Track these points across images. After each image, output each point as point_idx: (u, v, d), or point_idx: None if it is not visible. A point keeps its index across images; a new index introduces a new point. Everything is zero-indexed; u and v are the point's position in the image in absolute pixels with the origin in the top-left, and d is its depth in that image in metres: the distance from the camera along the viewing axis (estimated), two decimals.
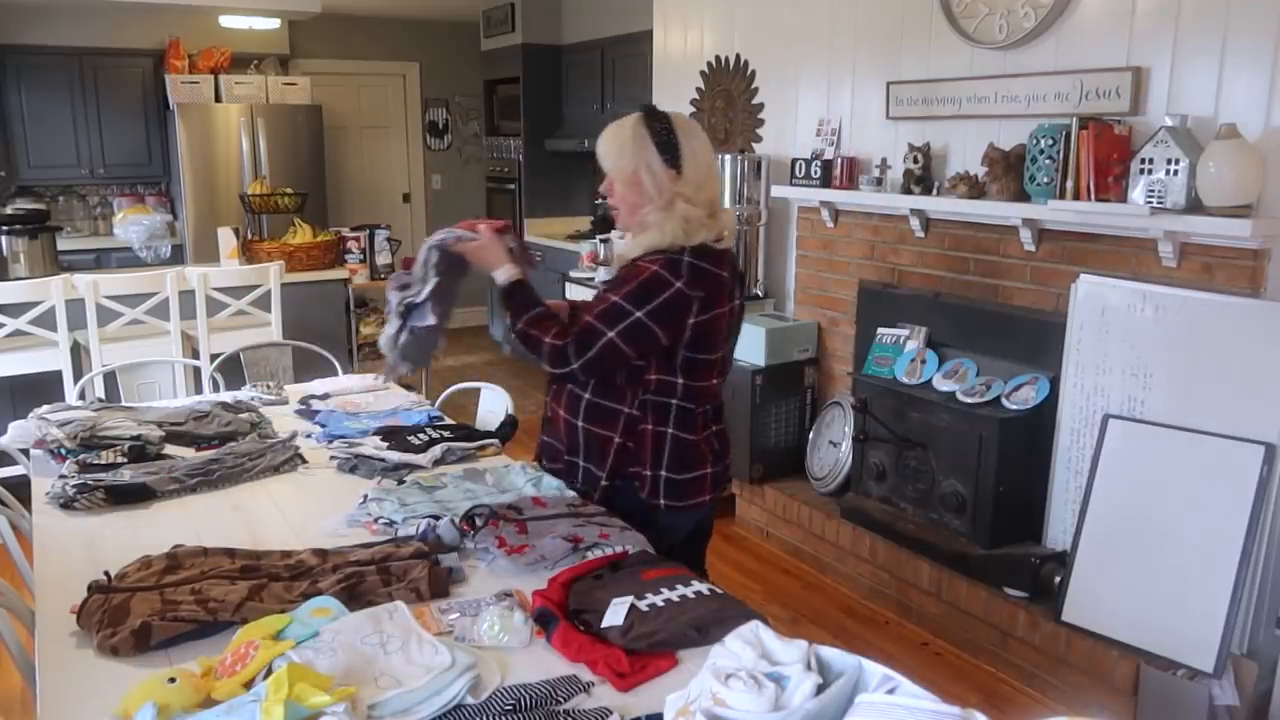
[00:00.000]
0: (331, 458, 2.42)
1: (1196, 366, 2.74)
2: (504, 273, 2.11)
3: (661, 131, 2.01)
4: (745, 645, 1.28)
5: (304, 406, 2.87)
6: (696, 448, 2.10)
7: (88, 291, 4.13)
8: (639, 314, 1.96)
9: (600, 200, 2.29)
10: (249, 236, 5.30)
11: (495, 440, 2.56)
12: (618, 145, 2.04)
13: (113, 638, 1.49)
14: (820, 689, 1.10)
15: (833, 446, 4.01)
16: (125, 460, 2.33)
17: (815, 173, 4.00)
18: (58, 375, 4.18)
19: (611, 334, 1.97)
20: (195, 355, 4.35)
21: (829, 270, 4.19)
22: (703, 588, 1.65)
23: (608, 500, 2.08)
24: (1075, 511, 2.99)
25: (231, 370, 3.53)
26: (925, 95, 3.62)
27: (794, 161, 4.13)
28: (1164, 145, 2.73)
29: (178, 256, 6.51)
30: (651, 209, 2.02)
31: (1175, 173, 2.71)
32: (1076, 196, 2.94)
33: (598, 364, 1.99)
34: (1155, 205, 2.76)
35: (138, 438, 2.43)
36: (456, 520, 1.92)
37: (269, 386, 3.06)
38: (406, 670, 1.37)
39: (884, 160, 3.83)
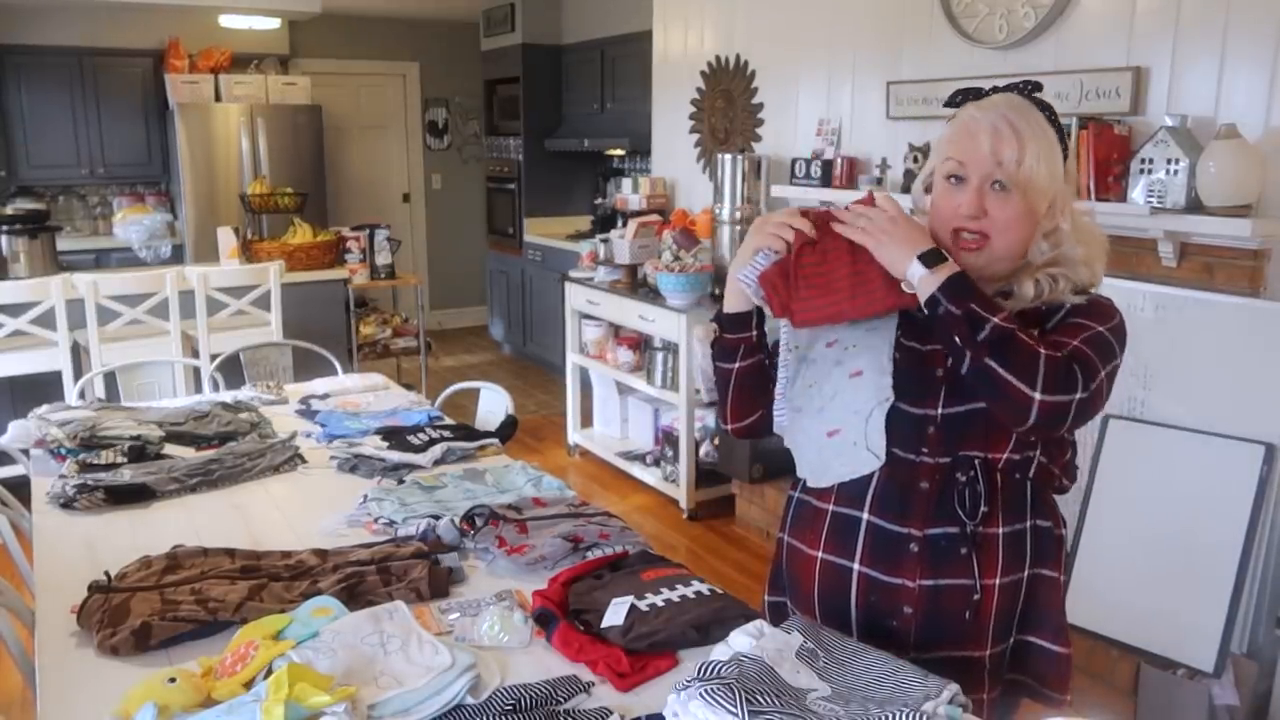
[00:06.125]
0: (331, 458, 2.42)
1: (1196, 366, 2.73)
2: (925, 267, 1.33)
3: (1054, 118, 1.41)
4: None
5: (304, 406, 2.87)
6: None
7: (88, 291, 4.13)
8: (1118, 361, 1.39)
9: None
10: (249, 236, 5.29)
11: (495, 440, 2.56)
12: (1048, 144, 1.38)
13: (113, 638, 1.50)
14: None
15: None
16: (125, 460, 2.33)
17: (815, 173, 4.00)
18: (58, 375, 4.18)
19: (1103, 373, 1.35)
20: (195, 355, 4.34)
21: None
22: (703, 588, 1.65)
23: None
24: (1075, 511, 2.98)
25: (231, 370, 3.52)
26: (925, 95, 3.62)
27: (794, 161, 4.13)
28: (1164, 145, 2.73)
29: (178, 256, 6.50)
30: (1038, 238, 1.40)
31: (1175, 173, 2.71)
32: (1076, 196, 2.94)
33: (1088, 409, 1.34)
34: (1155, 205, 2.76)
35: (138, 438, 2.43)
36: (456, 520, 1.92)
37: (269, 386, 3.06)
38: (406, 670, 1.37)
39: (884, 160, 3.83)
